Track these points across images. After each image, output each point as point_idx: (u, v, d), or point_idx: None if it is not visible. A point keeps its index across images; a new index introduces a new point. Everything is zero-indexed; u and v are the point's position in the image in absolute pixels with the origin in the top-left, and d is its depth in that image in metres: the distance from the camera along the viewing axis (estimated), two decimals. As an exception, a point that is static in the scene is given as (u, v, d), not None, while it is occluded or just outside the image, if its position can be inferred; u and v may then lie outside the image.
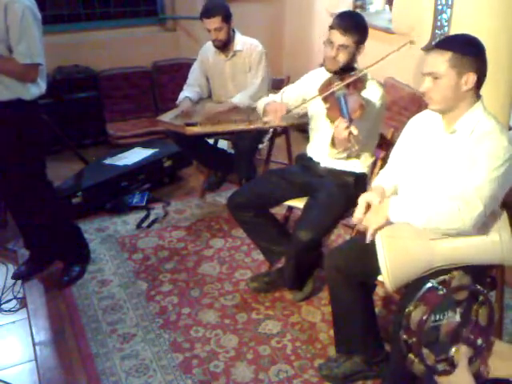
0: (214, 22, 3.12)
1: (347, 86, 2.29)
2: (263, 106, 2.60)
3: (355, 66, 2.43)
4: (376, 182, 2.13)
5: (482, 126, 1.77)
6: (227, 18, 3.15)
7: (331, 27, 2.35)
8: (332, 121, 2.24)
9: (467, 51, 1.74)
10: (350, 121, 2.13)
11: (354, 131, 2.08)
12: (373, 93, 2.38)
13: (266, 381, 2.20)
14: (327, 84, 2.39)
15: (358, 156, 2.45)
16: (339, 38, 2.31)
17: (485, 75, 1.79)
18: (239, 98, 3.24)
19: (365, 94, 2.34)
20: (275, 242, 2.62)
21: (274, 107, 2.51)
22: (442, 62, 1.74)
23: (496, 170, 1.71)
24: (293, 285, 2.64)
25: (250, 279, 2.76)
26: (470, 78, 1.74)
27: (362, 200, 1.95)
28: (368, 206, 1.94)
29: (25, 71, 2.40)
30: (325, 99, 2.34)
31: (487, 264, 1.87)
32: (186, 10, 4.62)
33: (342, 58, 2.34)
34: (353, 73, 2.34)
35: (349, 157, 2.39)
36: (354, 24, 2.34)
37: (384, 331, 2.26)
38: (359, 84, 2.32)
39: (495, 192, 1.73)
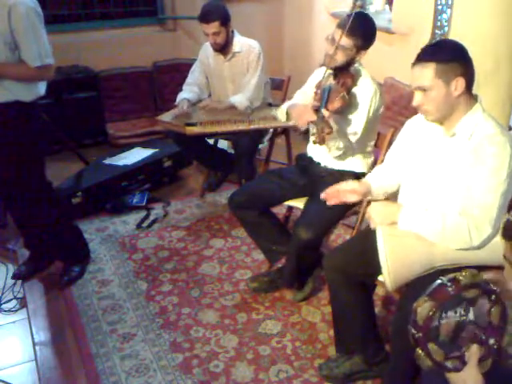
0: (212, 27, 3.10)
1: (337, 82, 2.29)
2: (285, 109, 2.55)
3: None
4: (366, 178, 2.16)
5: (482, 129, 1.76)
6: (225, 22, 3.13)
7: (338, 26, 2.30)
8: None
9: (450, 58, 1.72)
10: (327, 110, 2.14)
11: (325, 113, 2.11)
12: (365, 89, 2.37)
13: (266, 381, 2.20)
14: (320, 81, 2.39)
15: (355, 155, 2.45)
16: (342, 38, 2.26)
17: (473, 76, 1.77)
18: (238, 100, 3.24)
19: (356, 90, 2.34)
20: (276, 242, 2.62)
21: (300, 111, 2.38)
22: (427, 74, 1.73)
23: (503, 184, 1.71)
24: (292, 284, 2.64)
25: (250, 279, 2.76)
26: (459, 83, 1.73)
27: (348, 185, 2.05)
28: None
29: (38, 74, 2.42)
30: (315, 94, 2.33)
31: (488, 264, 1.87)
32: (186, 10, 4.62)
33: (340, 58, 2.31)
34: (345, 70, 2.33)
35: (344, 155, 2.38)
36: (360, 28, 2.27)
37: (384, 331, 2.27)
38: (349, 81, 2.30)
39: (503, 206, 1.75)
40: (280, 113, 2.64)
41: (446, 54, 1.74)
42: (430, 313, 1.20)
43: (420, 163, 1.93)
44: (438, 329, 1.21)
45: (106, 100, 4.54)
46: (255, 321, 2.54)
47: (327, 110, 2.15)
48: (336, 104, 2.20)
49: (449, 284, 1.24)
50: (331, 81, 2.29)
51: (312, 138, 2.17)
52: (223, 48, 3.23)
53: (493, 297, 1.23)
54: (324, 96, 2.19)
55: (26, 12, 2.30)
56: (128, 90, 4.61)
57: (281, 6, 4.98)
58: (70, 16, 4.51)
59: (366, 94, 2.35)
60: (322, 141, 2.12)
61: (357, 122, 2.36)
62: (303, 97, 2.58)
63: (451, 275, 1.26)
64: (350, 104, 2.28)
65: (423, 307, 1.22)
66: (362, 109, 2.35)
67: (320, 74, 2.50)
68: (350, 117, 2.36)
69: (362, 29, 2.28)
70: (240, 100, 3.24)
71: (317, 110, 2.18)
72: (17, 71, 2.39)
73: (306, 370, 2.25)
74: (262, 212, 2.58)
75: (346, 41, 2.26)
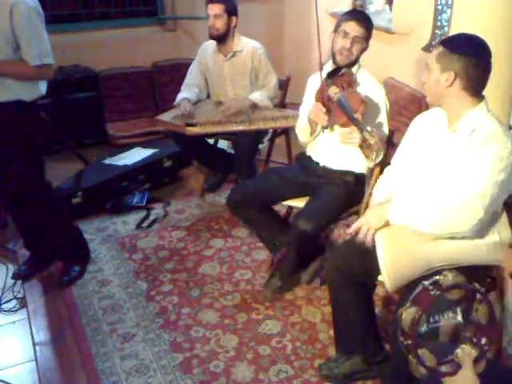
0: (215, 8, 3.11)
1: (342, 87, 2.28)
2: (307, 118, 2.47)
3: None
4: (375, 197, 2.10)
5: (485, 127, 1.76)
6: (230, 10, 3.14)
7: (346, 19, 2.34)
8: (343, 125, 2.21)
9: (456, 49, 1.73)
10: (355, 120, 2.13)
11: (361, 122, 2.10)
12: (375, 91, 2.39)
13: (266, 381, 2.20)
14: (321, 89, 2.37)
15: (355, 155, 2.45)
16: (356, 28, 2.30)
17: (473, 76, 1.74)
18: (259, 98, 3.24)
19: (367, 92, 2.35)
20: (277, 234, 2.62)
21: (315, 111, 2.37)
22: (433, 55, 1.79)
23: (498, 174, 1.70)
24: (294, 272, 2.66)
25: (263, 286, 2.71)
26: (450, 77, 1.74)
27: (358, 223, 1.93)
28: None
29: (37, 72, 2.43)
30: (325, 106, 2.32)
31: (487, 264, 1.87)
32: (186, 10, 4.61)
33: (356, 49, 2.35)
34: (340, 73, 2.34)
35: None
36: (367, 19, 2.37)
37: (384, 331, 2.27)
38: (350, 79, 2.32)
39: (496, 196, 1.73)
40: (301, 133, 2.58)
41: (454, 45, 1.76)
42: (415, 318, 1.19)
43: (422, 158, 1.93)
44: (429, 334, 1.20)
45: (106, 100, 4.54)
46: (255, 321, 2.54)
47: (357, 115, 2.13)
48: (361, 109, 2.18)
49: (431, 288, 1.23)
50: (335, 91, 2.27)
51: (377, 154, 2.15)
52: (219, 39, 3.21)
53: (478, 296, 1.22)
54: (346, 108, 2.15)
55: (27, 12, 2.31)
56: (128, 90, 4.60)
57: (281, 6, 4.98)
58: (70, 16, 4.51)
59: (378, 94, 2.38)
60: (376, 151, 2.09)
61: (380, 122, 2.38)
62: (306, 109, 2.57)
63: (433, 278, 1.25)
64: (368, 103, 2.27)
65: (407, 313, 1.20)
66: (376, 108, 2.37)
67: (314, 83, 2.48)
68: (369, 115, 2.34)
69: (368, 19, 2.37)
70: (261, 98, 3.24)
71: (352, 125, 2.12)
72: (17, 70, 2.40)
73: (306, 370, 2.25)
74: (262, 209, 2.57)
75: (360, 31, 2.32)
